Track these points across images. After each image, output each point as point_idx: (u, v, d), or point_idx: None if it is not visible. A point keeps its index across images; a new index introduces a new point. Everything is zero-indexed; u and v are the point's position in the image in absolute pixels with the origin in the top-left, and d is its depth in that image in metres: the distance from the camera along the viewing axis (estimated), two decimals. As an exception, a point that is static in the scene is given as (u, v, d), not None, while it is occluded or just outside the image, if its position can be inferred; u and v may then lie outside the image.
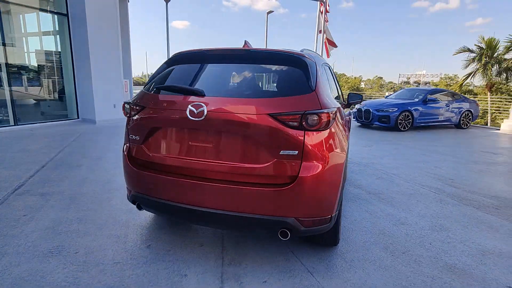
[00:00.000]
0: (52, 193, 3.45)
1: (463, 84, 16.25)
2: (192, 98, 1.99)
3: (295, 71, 2.06)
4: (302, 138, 1.82)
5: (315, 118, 1.82)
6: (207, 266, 2.19)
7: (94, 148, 5.88)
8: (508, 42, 13.37)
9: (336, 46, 18.93)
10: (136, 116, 2.20)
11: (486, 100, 15.24)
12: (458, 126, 10.53)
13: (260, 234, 2.62)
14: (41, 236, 2.53)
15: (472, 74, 15.04)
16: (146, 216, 2.96)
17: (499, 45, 13.72)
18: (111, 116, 9.03)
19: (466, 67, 15.26)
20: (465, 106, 10.55)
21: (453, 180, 4.47)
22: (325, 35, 20.95)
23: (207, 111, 1.89)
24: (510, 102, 13.44)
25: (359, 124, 10.60)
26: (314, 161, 1.85)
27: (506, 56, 13.53)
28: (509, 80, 13.90)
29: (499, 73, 14.02)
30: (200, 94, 1.98)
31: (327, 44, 21.61)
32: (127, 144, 2.31)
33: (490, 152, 6.63)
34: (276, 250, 2.42)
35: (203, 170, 1.99)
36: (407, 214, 3.19)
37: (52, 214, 2.93)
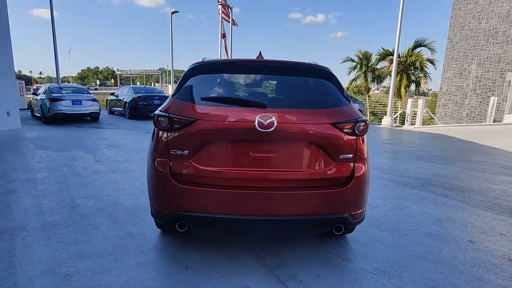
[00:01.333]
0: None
1: (349, 88, 19.86)
2: (254, 109, 2.03)
3: (330, 83, 2.32)
4: (355, 143, 2.13)
5: (363, 125, 2.16)
6: (259, 273, 2.24)
7: (11, 168, 4.71)
8: (378, 55, 17.14)
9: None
10: (184, 129, 2.06)
11: (377, 101, 18.87)
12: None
13: (288, 235, 2.77)
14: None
15: (355, 79, 18.55)
16: (155, 238, 2.70)
17: (371, 56, 17.46)
18: (5, 126, 7.21)
19: (349, 74, 18.75)
20: (356, 106, 12.86)
21: (381, 167, 5.59)
22: (225, 40, 21.57)
23: (276, 122, 1.97)
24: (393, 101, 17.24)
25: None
26: (361, 162, 2.19)
27: (378, 66, 17.38)
28: (379, 84, 17.83)
29: (373, 79, 17.75)
30: (263, 106, 2.04)
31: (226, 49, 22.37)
32: (164, 159, 2.12)
33: (388, 143, 8.42)
34: (303, 247, 2.64)
35: (267, 179, 2.05)
36: (373, 199, 3.90)
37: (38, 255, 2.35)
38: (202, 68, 2.35)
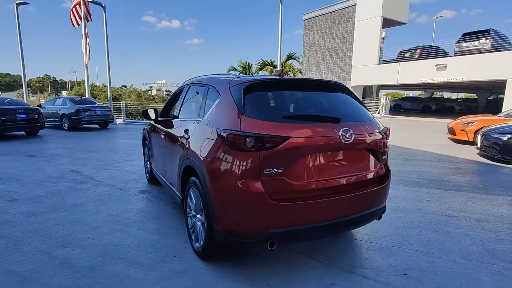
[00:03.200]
0: None
1: None
2: (332, 124, 2.23)
3: (352, 97, 2.76)
4: (387, 146, 2.65)
5: (388, 131, 2.70)
6: (329, 271, 2.44)
7: None
8: (258, 65, 19.09)
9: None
10: (278, 147, 2.03)
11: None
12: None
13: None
14: None
15: None
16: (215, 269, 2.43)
17: (252, 66, 19.35)
18: None
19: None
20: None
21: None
22: (88, 40, 19.13)
23: (359, 136, 2.25)
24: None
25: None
26: (387, 160, 2.74)
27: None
28: None
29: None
30: (338, 120, 2.26)
31: (87, 49, 19.93)
32: (257, 179, 2.02)
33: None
34: (338, 243, 2.99)
35: (344, 185, 2.29)
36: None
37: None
38: (256, 86, 2.34)
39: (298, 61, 19.10)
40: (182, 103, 3.40)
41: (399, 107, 27.94)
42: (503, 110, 13.25)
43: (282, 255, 2.67)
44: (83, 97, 13.98)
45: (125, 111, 16.91)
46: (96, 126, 13.62)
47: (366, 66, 20.32)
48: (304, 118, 2.26)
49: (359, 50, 20.84)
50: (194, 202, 2.59)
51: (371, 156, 2.47)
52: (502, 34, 16.52)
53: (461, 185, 5.00)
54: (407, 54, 19.54)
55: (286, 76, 2.71)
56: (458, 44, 16.97)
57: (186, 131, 2.77)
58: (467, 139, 9.41)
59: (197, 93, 3.11)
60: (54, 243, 2.76)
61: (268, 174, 2.04)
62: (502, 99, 27.35)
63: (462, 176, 5.64)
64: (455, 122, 10.32)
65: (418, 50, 19.11)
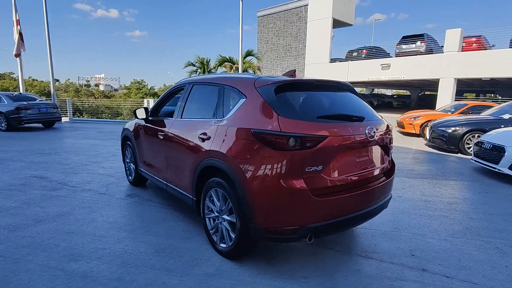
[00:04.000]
0: None
1: None
2: (358, 123, 2.40)
3: (361, 97, 2.99)
4: (392, 142, 2.94)
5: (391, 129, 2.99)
6: (354, 260, 2.65)
7: None
8: (217, 61, 18.82)
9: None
10: (317, 146, 2.13)
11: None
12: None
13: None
14: None
15: None
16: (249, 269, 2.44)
17: (210, 62, 19.03)
18: None
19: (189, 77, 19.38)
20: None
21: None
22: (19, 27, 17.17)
23: (377, 132, 2.45)
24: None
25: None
26: None
27: (219, 71, 19.18)
28: None
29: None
30: (362, 119, 2.44)
31: (22, 39, 17.95)
32: (299, 177, 2.11)
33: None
34: (345, 233, 3.21)
35: (369, 177, 2.50)
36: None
37: None
38: (285, 87, 2.41)
39: (256, 57, 19.31)
40: (186, 102, 3.30)
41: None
42: (438, 106, 15.08)
43: (304, 249, 2.80)
44: (20, 93, 12.40)
45: (71, 108, 15.39)
46: (39, 125, 12.21)
47: (319, 64, 21.38)
48: (335, 117, 2.40)
49: (312, 48, 21.82)
50: (218, 203, 2.58)
51: (383, 152, 2.71)
52: (433, 38, 18.70)
53: (424, 173, 5.67)
54: (355, 54, 21.02)
55: (266, 75, 2.79)
56: (398, 46, 18.76)
57: (203, 131, 2.72)
58: (414, 132, 10.57)
59: (208, 92, 3.06)
60: (61, 257, 2.51)
61: (309, 172, 2.15)
62: (429, 95, 31.27)
63: (421, 165, 6.38)
64: (403, 117, 11.50)
65: (364, 50, 20.68)
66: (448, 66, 15.82)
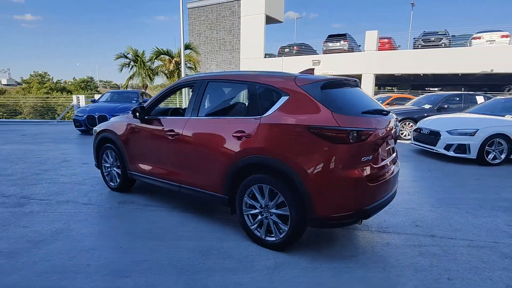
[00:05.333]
0: None
1: (127, 86, 18.65)
2: (386, 116, 2.73)
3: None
4: None
5: None
6: (377, 237, 3.03)
7: None
8: (153, 53, 17.49)
9: None
10: (369, 139, 2.38)
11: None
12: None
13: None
14: None
15: (131, 77, 17.80)
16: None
17: (144, 55, 17.62)
18: None
19: (121, 70, 17.74)
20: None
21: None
22: None
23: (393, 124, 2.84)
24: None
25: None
26: None
27: (155, 64, 17.93)
28: (153, 82, 18.64)
29: (150, 77, 18.04)
30: (388, 113, 2.78)
31: None
32: (357, 167, 2.36)
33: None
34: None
35: (392, 164, 2.88)
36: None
37: None
38: (328, 84, 2.60)
39: (195, 51, 18.67)
40: (202, 100, 3.19)
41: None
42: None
43: (333, 234, 3.07)
44: None
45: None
46: None
47: (254, 59, 21.92)
48: (374, 112, 2.69)
49: (246, 43, 22.21)
50: (262, 199, 2.64)
51: (394, 141, 3.15)
52: (353, 38, 21.03)
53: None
54: (287, 50, 22.21)
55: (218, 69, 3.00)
56: (325, 44, 20.53)
57: (239, 129, 2.72)
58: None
59: (232, 90, 3.04)
60: (105, 276, 2.24)
61: (364, 162, 2.41)
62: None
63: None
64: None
65: (295, 47, 22.01)
66: (369, 63, 18.06)
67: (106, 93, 11.53)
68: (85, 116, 9.19)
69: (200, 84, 3.26)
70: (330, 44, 20.25)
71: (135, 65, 17.49)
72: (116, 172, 4.13)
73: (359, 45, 21.09)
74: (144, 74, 17.47)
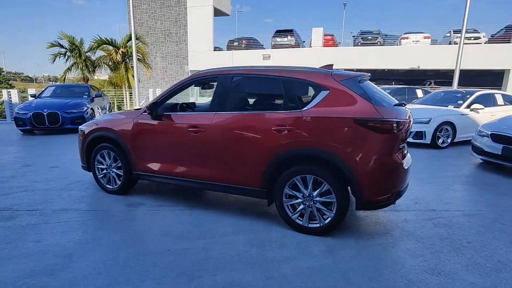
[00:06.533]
0: None
1: (65, 79, 16.27)
2: (404, 108, 3.08)
3: None
4: None
5: None
6: (393, 216, 3.42)
7: None
8: (95, 42, 15.64)
9: None
10: (403, 128, 2.69)
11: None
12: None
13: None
14: None
15: (70, 68, 15.67)
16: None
17: (84, 44, 15.70)
18: None
19: (54, 61, 15.50)
20: (103, 101, 11.96)
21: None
22: None
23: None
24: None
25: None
26: None
27: (96, 55, 16.12)
28: (95, 74, 16.68)
29: (89, 69, 16.14)
30: (405, 104, 3.12)
31: None
32: (398, 154, 2.67)
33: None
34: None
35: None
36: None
37: None
38: (362, 80, 2.84)
39: (142, 42, 17.34)
40: (228, 95, 3.16)
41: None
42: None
43: (356, 216, 3.37)
44: None
45: None
46: None
47: (203, 52, 21.43)
48: (399, 104, 3.00)
49: (194, 35, 21.55)
50: (305, 189, 2.78)
51: None
52: (298, 34, 22.02)
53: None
54: (236, 43, 22.21)
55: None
56: (273, 39, 21.09)
57: (279, 123, 2.80)
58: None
59: (263, 85, 3.08)
60: (176, 279, 2.14)
61: (400, 149, 2.72)
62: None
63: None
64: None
65: (244, 41, 22.14)
66: (317, 59, 19.16)
67: (49, 87, 10.17)
68: (30, 113, 8.00)
69: (223, 79, 3.21)
70: (278, 39, 20.88)
71: (72, 55, 15.58)
72: (116, 173, 3.82)
73: (304, 41, 22.18)
74: (83, 66, 15.71)
